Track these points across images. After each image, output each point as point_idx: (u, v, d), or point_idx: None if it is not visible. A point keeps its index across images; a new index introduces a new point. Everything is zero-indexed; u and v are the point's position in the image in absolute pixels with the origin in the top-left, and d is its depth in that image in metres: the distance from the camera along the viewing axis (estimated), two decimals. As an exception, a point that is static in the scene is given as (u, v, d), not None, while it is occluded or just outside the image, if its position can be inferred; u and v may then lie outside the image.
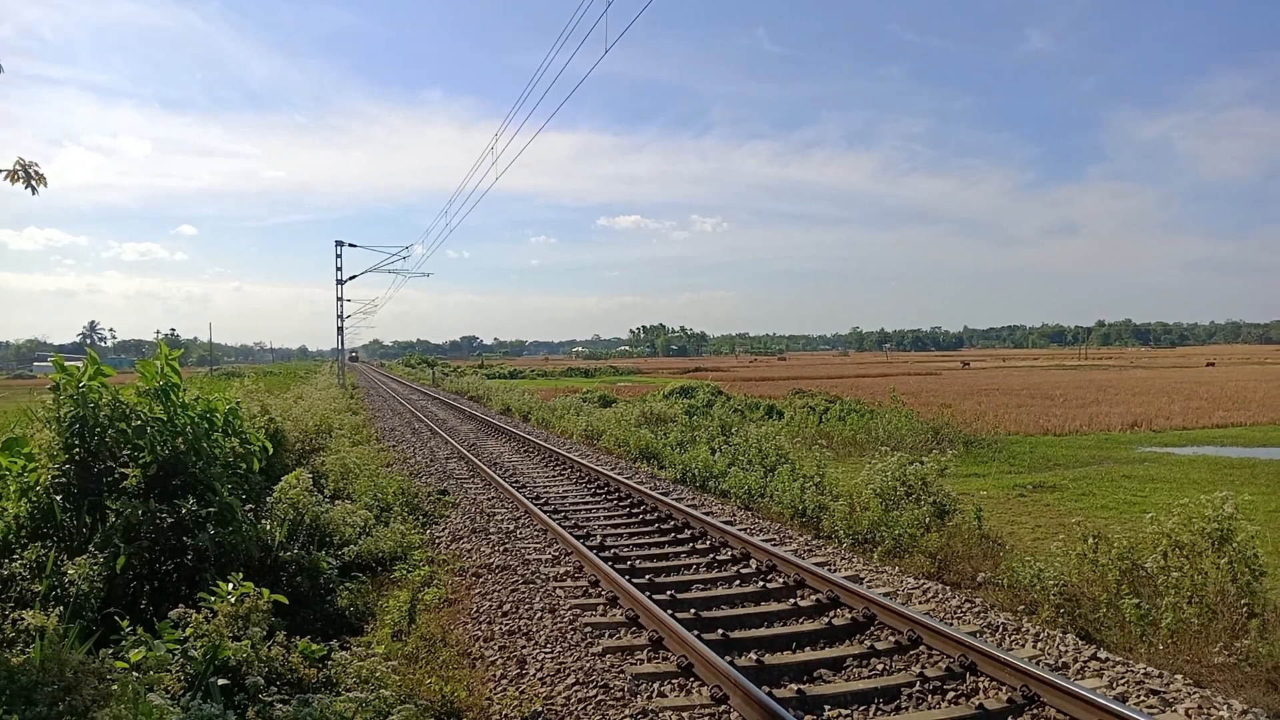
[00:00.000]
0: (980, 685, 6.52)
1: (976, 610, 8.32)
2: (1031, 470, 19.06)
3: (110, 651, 5.17)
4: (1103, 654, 7.10)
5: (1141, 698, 6.26)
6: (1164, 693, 6.30)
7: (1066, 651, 7.16)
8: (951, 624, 7.77)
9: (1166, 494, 14.69)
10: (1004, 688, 6.34)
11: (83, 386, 7.58)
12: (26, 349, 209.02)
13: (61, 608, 6.27)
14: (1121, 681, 6.53)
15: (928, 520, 10.84)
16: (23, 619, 5.79)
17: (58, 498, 7.35)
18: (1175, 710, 6.03)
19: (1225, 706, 6.03)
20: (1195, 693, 6.29)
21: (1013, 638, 7.56)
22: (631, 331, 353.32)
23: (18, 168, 5.93)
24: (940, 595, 8.82)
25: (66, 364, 7.78)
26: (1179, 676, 6.61)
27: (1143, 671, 6.70)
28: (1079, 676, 6.66)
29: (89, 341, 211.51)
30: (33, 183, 5.98)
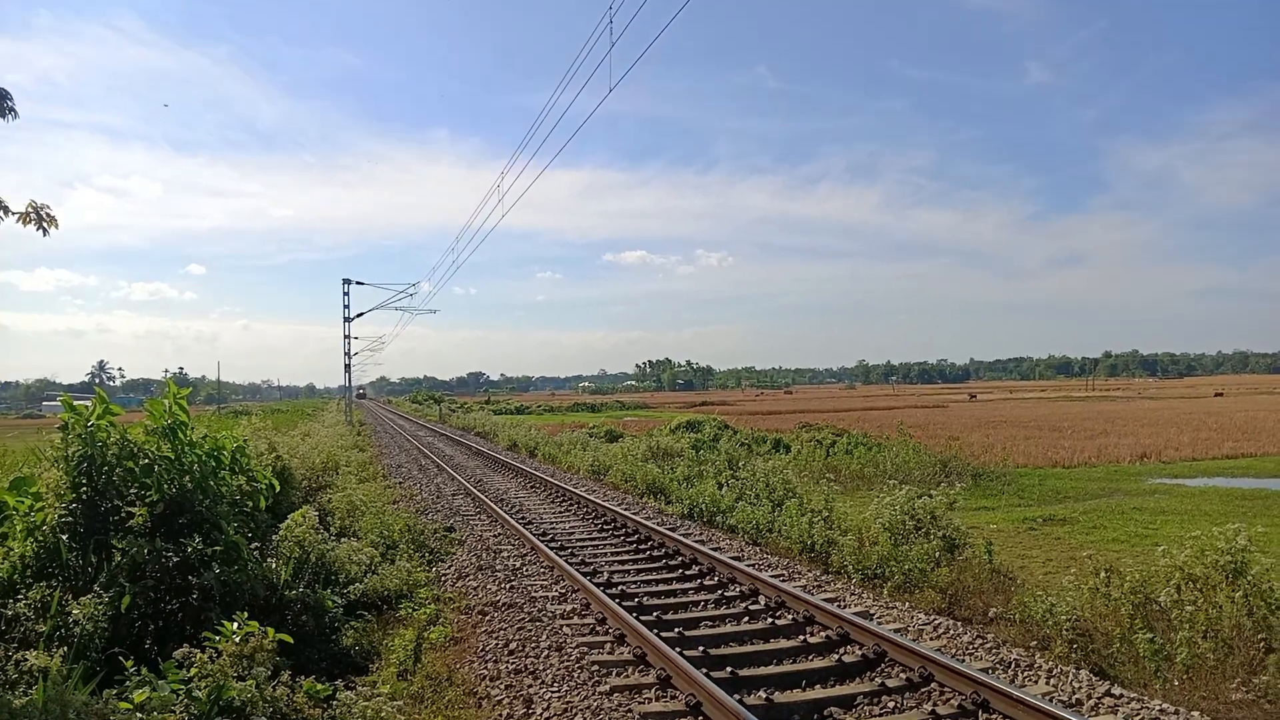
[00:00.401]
0: (993, 723, 6.43)
1: (988, 646, 8.22)
2: (1041, 503, 18.93)
3: (114, 692, 5.14)
4: (1117, 690, 7.00)
5: (1158, 735, 6.16)
6: (1181, 730, 6.20)
7: (1080, 688, 7.06)
8: (963, 660, 7.68)
9: (1178, 526, 14.56)
10: (1017, 725, 6.25)
11: (91, 426, 7.60)
12: (36, 389, 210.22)
13: (66, 648, 6.23)
14: (1137, 718, 6.44)
15: (937, 555, 10.75)
16: (26, 660, 5.75)
17: (64, 537, 7.33)
18: (1193, 748, 5.93)
19: (1243, 743, 5.94)
20: (1212, 729, 6.19)
21: (1025, 674, 7.47)
22: (637, 366, 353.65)
23: (30, 210, 6.02)
24: (951, 631, 8.72)
25: (75, 403, 7.82)
26: (1196, 713, 6.51)
27: (1158, 708, 6.60)
28: (1093, 714, 6.57)
29: (98, 381, 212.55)
30: (44, 224, 6.06)
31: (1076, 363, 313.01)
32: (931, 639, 8.50)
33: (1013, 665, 7.67)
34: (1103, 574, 8.70)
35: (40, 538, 7.31)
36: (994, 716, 6.47)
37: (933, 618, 9.23)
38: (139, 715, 4.51)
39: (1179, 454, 29.57)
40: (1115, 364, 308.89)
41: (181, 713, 5.30)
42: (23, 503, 7.51)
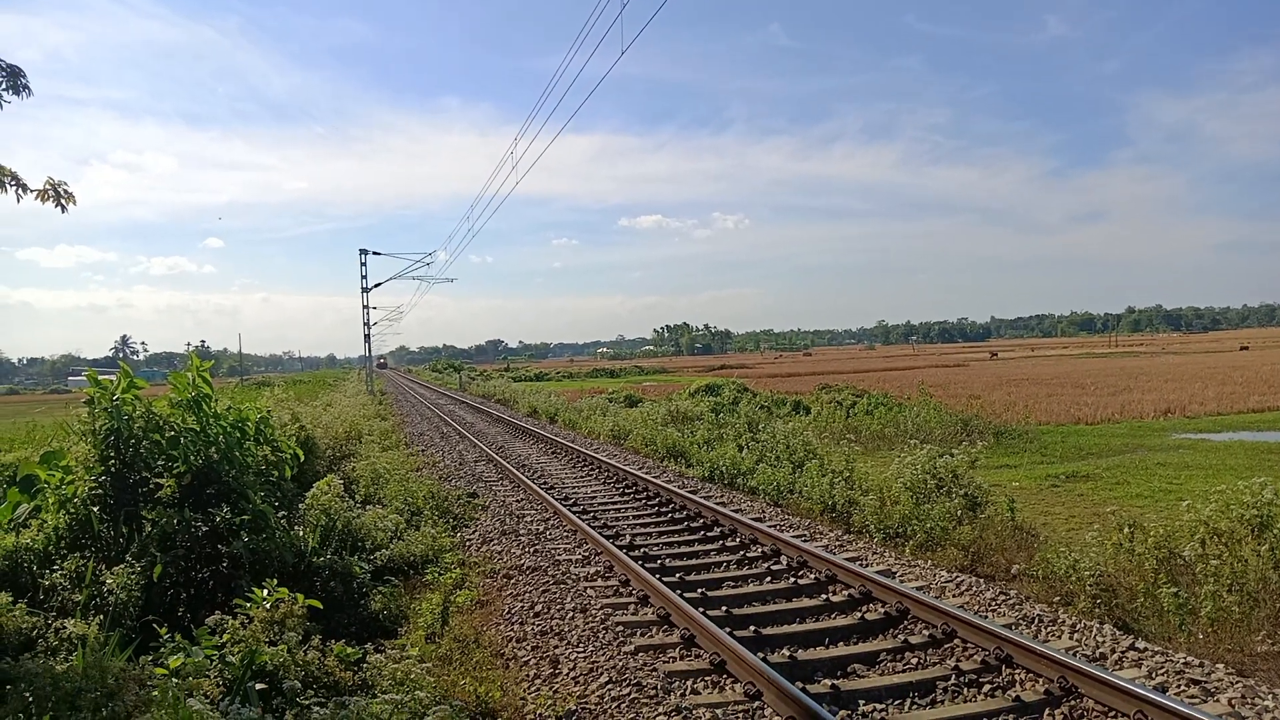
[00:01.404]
0: (1016, 677, 6.46)
1: (1011, 602, 8.24)
2: (1064, 460, 18.84)
3: (150, 658, 5.25)
4: (1141, 644, 7.01)
5: (1182, 688, 6.17)
6: (1205, 682, 6.20)
7: (1104, 642, 7.08)
8: (986, 617, 7.71)
9: (1203, 481, 14.45)
10: (1041, 679, 6.28)
11: (117, 399, 7.71)
12: (61, 364, 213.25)
13: (101, 616, 6.38)
14: (1161, 671, 6.45)
15: (959, 513, 10.75)
16: (65, 628, 5.90)
17: (95, 509, 7.48)
18: (1218, 700, 5.94)
19: (1270, 696, 5.94)
20: (1238, 682, 6.19)
21: (1049, 629, 7.49)
22: (655, 331, 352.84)
23: (47, 187, 6.06)
24: (974, 588, 8.74)
25: (100, 378, 7.92)
26: (1220, 666, 6.51)
27: (1183, 661, 6.61)
28: (1117, 667, 6.58)
29: (121, 355, 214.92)
30: (62, 201, 6.11)
31: (1099, 319, 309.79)
32: (954, 596, 8.52)
33: (1036, 621, 7.68)
34: (1126, 529, 8.68)
35: (72, 510, 7.46)
36: (1017, 671, 6.50)
37: (955, 575, 9.26)
38: (175, 680, 4.61)
39: (1203, 409, 29.27)
40: (1139, 319, 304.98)
41: (216, 677, 5.42)
42: (54, 476, 7.65)
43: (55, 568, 7.02)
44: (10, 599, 6.00)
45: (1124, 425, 25.88)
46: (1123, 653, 6.85)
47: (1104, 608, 7.87)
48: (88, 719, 3.94)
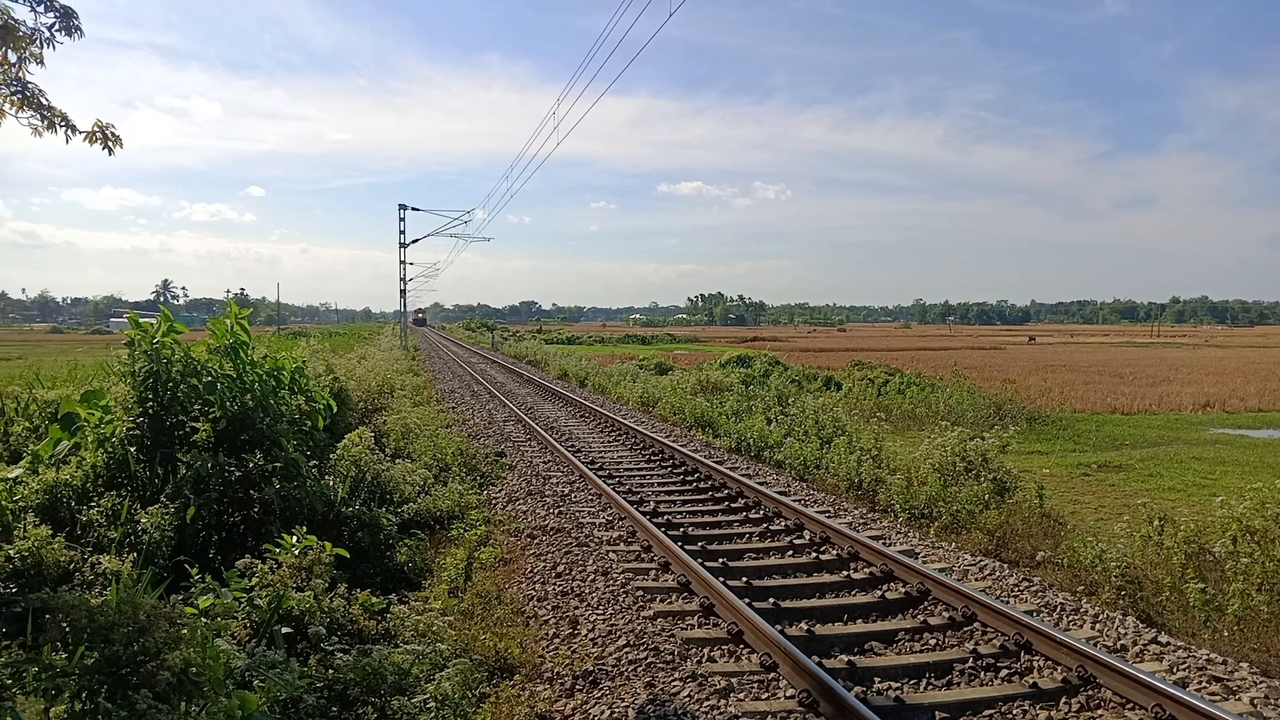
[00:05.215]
0: (1035, 664, 6.44)
1: (1034, 589, 8.19)
2: (1097, 449, 18.60)
3: (180, 598, 5.38)
4: (1164, 638, 6.94)
5: (1203, 684, 6.12)
6: (1227, 680, 6.14)
7: (1126, 634, 7.02)
8: (1007, 602, 7.67)
9: (1238, 477, 14.21)
10: (1059, 668, 6.25)
11: (156, 343, 7.83)
12: (104, 305, 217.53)
13: (135, 554, 6.54)
14: (1182, 666, 6.39)
15: (987, 497, 10.67)
16: (100, 563, 6.05)
17: (132, 449, 7.64)
18: (1239, 699, 5.88)
19: (1292, 697, 5.86)
20: (1262, 682, 6.12)
21: (1071, 618, 7.44)
22: (689, 299, 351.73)
23: (96, 129, 6.10)
24: (997, 573, 8.70)
25: (141, 320, 8.04)
26: (1244, 665, 6.43)
27: (1205, 658, 6.54)
28: (1138, 660, 6.53)
29: (162, 299, 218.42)
30: (110, 144, 6.15)
31: (1142, 308, 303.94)
32: (976, 580, 8.49)
33: (1058, 609, 7.64)
34: (1156, 522, 8.57)
35: (110, 449, 7.62)
36: (1036, 658, 6.48)
37: (979, 559, 9.21)
38: (204, 620, 4.73)
39: (1244, 404, 28.70)
40: (1183, 310, 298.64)
41: (244, 619, 5.55)
42: (93, 415, 7.81)
43: (92, 505, 7.19)
44: (49, 532, 6.16)
45: (1161, 417, 25.46)
46: (1144, 646, 6.80)
47: (1128, 600, 7.80)
48: (120, 652, 4.05)
